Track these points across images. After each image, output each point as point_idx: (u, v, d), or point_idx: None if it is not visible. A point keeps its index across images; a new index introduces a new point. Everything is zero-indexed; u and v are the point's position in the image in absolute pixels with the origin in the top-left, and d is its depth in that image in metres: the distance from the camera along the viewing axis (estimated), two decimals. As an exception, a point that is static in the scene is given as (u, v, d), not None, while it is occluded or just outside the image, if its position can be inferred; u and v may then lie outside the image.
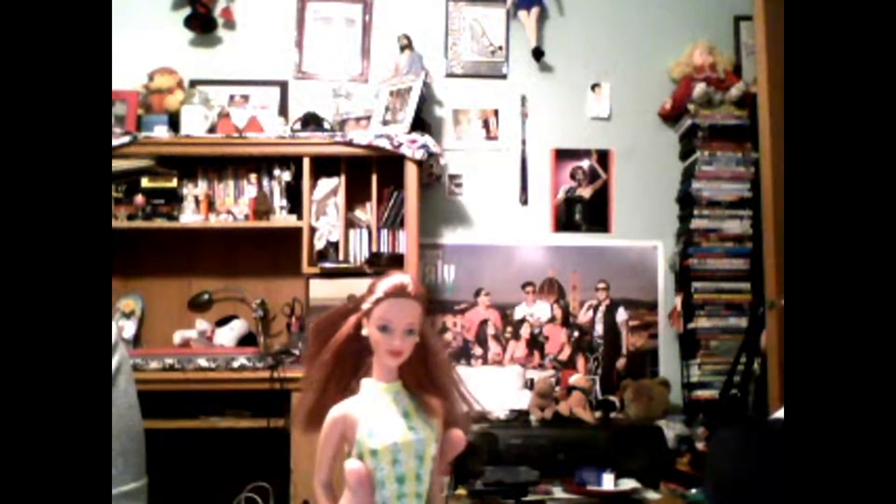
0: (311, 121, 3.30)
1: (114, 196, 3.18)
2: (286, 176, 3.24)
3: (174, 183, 3.22)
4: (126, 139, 3.10)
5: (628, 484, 2.84)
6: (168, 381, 2.88)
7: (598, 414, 3.19)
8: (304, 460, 2.80)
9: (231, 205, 3.25)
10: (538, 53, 3.56)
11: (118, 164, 3.09)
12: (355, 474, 1.04)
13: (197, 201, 3.23)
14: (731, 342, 3.26)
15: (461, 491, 2.84)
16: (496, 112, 3.61)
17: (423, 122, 3.34)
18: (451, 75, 3.61)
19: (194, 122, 3.23)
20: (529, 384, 3.40)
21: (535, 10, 3.57)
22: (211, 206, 3.24)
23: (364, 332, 1.12)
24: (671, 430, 3.16)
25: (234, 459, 2.99)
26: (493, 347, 3.51)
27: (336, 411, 1.09)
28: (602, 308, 3.55)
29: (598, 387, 3.48)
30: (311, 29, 3.61)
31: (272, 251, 3.36)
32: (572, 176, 3.60)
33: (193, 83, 3.47)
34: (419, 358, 1.12)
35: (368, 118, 3.32)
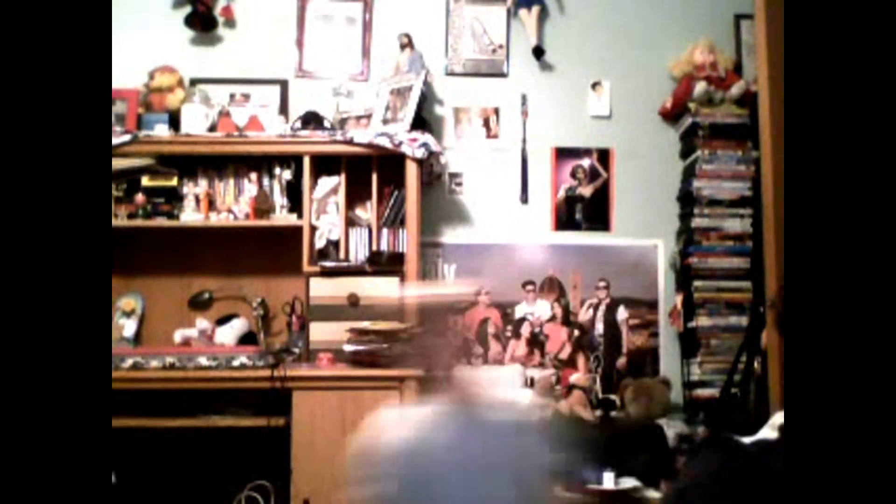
0: (312, 119, 3.30)
1: (114, 195, 3.18)
2: (287, 175, 3.24)
3: (174, 182, 3.22)
4: (126, 138, 3.10)
5: (629, 482, 2.85)
6: (168, 380, 2.88)
7: (598, 413, 3.19)
8: (305, 459, 2.80)
9: (231, 203, 3.25)
10: (539, 52, 3.56)
11: (118, 163, 3.09)
12: None
13: (197, 200, 3.23)
14: (732, 341, 3.25)
15: (461, 489, 2.83)
16: (497, 110, 3.60)
17: (423, 121, 3.34)
18: (451, 74, 3.61)
19: (195, 121, 3.23)
20: (530, 383, 3.40)
21: (535, 9, 3.57)
22: (211, 204, 3.24)
23: None
24: (672, 428, 3.16)
25: (235, 458, 2.99)
26: (494, 346, 3.51)
27: None
28: (602, 307, 3.55)
29: (598, 385, 3.48)
30: (312, 27, 3.61)
31: (273, 250, 3.35)
32: (573, 174, 3.60)
33: (194, 82, 3.47)
34: None
35: (369, 117, 3.32)
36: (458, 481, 1.71)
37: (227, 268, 3.40)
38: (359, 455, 1.76)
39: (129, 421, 2.84)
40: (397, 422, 1.82)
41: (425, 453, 1.72)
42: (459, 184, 3.57)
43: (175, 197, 3.23)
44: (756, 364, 2.83)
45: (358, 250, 3.22)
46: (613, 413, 3.26)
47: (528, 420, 1.86)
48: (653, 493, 2.81)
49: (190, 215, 3.21)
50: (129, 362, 2.89)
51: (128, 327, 3.33)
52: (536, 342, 3.52)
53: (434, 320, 1.78)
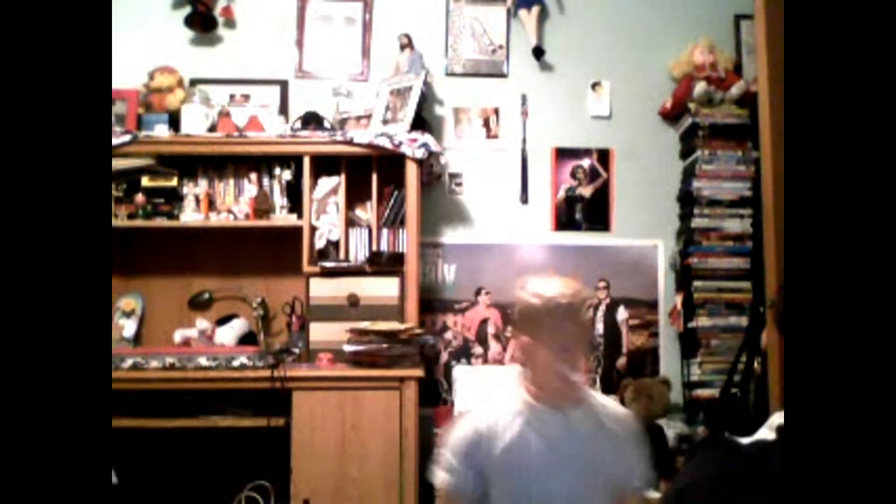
0: (312, 120, 3.30)
1: (114, 195, 3.18)
2: (286, 175, 3.24)
3: (174, 182, 3.22)
4: (126, 138, 3.10)
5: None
6: (168, 380, 2.88)
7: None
8: (305, 459, 2.80)
9: (231, 204, 3.25)
10: (539, 52, 3.56)
11: (118, 163, 3.09)
12: None
13: (197, 200, 3.23)
14: (732, 341, 3.25)
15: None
16: (497, 111, 3.60)
17: (423, 121, 3.34)
18: (451, 74, 3.61)
19: (195, 121, 3.23)
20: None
21: (535, 9, 3.57)
22: (211, 205, 3.24)
23: None
24: (672, 429, 3.16)
25: (235, 458, 2.99)
26: (494, 346, 3.51)
27: None
28: (602, 307, 3.55)
29: (598, 386, 3.48)
30: (312, 28, 3.61)
31: (273, 250, 3.35)
32: (573, 175, 3.60)
33: (194, 82, 3.47)
34: None
35: (369, 117, 3.32)
36: (545, 480, 1.76)
37: (227, 268, 3.40)
38: (447, 445, 1.84)
39: (129, 421, 2.84)
40: (492, 414, 1.87)
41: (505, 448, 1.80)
42: (459, 184, 3.57)
43: (175, 197, 3.23)
44: (756, 364, 2.83)
45: (358, 250, 3.22)
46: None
47: (630, 429, 1.89)
48: (653, 494, 2.81)
49: (190, 215, 3.21)
50: (129, 362, 2.89)
51: (128, 327, 3.33)
52: (536, 342, 3.52)
53: (571, 318, 1.84)
